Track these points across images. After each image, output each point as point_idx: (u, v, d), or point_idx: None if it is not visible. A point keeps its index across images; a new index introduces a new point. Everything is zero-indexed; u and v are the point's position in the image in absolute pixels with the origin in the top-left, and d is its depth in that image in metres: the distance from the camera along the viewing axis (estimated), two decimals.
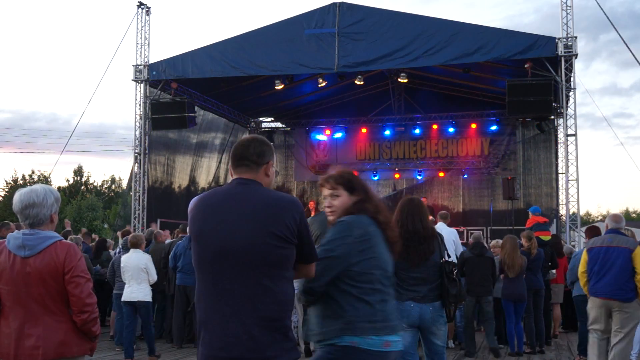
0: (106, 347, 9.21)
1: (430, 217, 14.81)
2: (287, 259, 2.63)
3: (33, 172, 45.65)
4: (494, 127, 18.05)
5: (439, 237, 4.79)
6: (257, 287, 2.55)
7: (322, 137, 19.65)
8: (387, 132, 18.94)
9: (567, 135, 13.51)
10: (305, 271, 2.82)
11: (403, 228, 4.69)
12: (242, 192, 2.67)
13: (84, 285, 3.28)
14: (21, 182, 42.01)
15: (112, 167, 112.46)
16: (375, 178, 19.11)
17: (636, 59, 13.75)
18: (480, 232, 16.79)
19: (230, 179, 2.82)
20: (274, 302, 2.56)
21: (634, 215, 70.50)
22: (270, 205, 2.63)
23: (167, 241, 10.14)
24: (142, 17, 15.81)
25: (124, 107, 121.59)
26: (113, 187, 50.91)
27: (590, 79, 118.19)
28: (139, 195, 15.36)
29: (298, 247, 2.67)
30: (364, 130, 19.17)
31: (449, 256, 4.77)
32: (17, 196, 3.34)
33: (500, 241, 9.88)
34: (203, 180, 17.85)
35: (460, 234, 14.53)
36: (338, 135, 19.45)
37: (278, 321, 2.57)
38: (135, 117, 15.49)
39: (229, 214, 2.62)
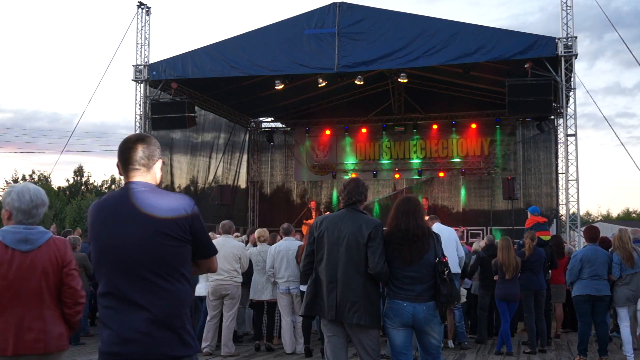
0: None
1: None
2: (180, 257, 2.71)
3: (33, 172, 45.73)
4: (493, 127, 18.02)
5: (435, 237, 4.77)
6: (151, 286, 2.63)
7: (322, 137, 19.64)
8: (387, 132, 18.92)
9: (567, 135, 13.50)
10: (207, 265, 2.94)
11: (397, 227, 4.70)
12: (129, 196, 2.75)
13: (78, 278, 3.39)
14: (21, 182, 42.01)
15: (114, 167, 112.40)
16: (375, 178, 19.10)
17: (637, 60, 13.75)
18: (480, 232, 17.00)
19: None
20: (170, 300, 2.64)
21: (634, 215, 70.43)
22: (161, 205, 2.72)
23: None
24: (142, 17, 15.81)
25: (125, 107, 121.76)
26: (113, 187, 50.94)
27: (594, 78, 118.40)
28: None
29: (193, 243, 2.76)
30: (364, 130, 19.15)
31: (444, 256, 4.73)
32: (23, 195, 3.34)
33: (481, 242, 10.19)
34: (203, 180, 17.85)
35: (460, 234, 14.56)
36: (338, 135, 19.44)
37: (174, 317, 2.64)
38: (135, 117, 15.49)
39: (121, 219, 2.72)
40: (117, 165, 2.83)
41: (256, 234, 9.28)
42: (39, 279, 3.26)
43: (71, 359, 8.35)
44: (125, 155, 2.77)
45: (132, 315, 2.60)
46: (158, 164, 2.83)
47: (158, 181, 2.85)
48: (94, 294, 9.85)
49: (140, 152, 2.77)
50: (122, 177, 2.84)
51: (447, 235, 8.34)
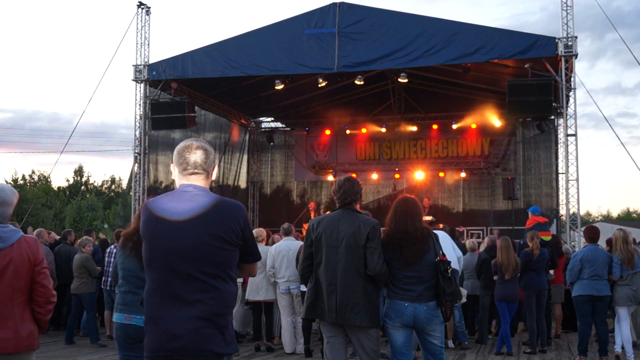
0: (108, 346, 9.22)
1: (431, 217, 14.85)
2: (231, 259, 2.84)
3: (33, 172, 45.73)
4: (494, 127, 18.00)
5: (434, 236, 4.77)
6: (203, 285, 2.75)
7: (322, 137, 19.63)
8: (387, 132, 18.92)
9: (567, 135, 13.49)
10: (249, 270, 3.10)
11: (395, 228, 4.68)
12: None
13: (49, 277, 3.38)
14: (21, 182, 42.00)
15: (114, 167, 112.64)
16: (375, 178, 19.09)
17: (637, 60, 13.75)
18: (481, 232, 17.00)
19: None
20: (218, 299, 2.76)
21: (634, 215, 70.42)
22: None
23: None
24: (142, 17, 15.80)
25: (125, 107, 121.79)
26: (113, 187, 50.96)
27: (595, 78, 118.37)
28: (139, 195, 15.35)
29: (242, 248, 2.88)
30: (364, 130, 19.13)
31: (443, 254, 4.72)
32: None
33: (472, 241, 10.17)
34: None
35: (460, 234, 14.56)
36: (338, 135, 19.43)
37: (220, 316, 2.76)
38: (135, 117, 15.50)
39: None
40: (173, 168, 2.95)
41: (254, 233, 9.26)
42: (11, 278, 3.24)
43: (71, 358, 8.36)
44: (188, 159, 2.88)
45: (181, 312, 2.72)
46: (215, 170, 2.99)
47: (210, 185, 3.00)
48: (100, 294, 9.84)
49: (203, 157, 2.90)
50: (175, 179, 2.96)
51: (442, 236, 8.35)
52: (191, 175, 2.90)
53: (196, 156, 2.89)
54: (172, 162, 2.96)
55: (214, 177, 2.98)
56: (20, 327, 3.25)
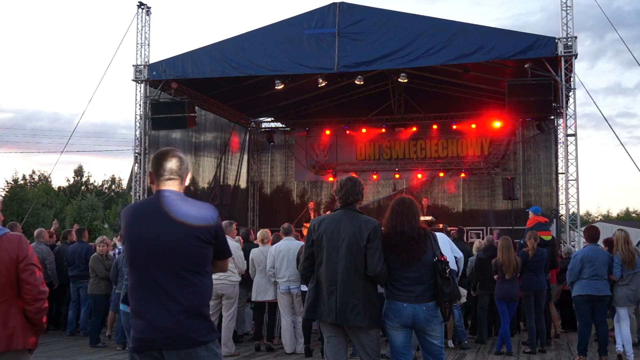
0: (109, 346, 9.22)
1: (430, 217, 14.82)
2: (207, 256, 3.13)
3: (34, 172, 45.74)
4: (493, 127, 18.01)
5: (432, 237, 4.75)
6: (182, 281, 3.02)
7: (322, 137, 19.63)
8: (387, 132, 18.92)
9: (567, 135, 13.49)
10: (221, 266, 3.34)
11: (392, 229, 4.67)
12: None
13: (36, 273, 3.34)
14: (21, 182, 41.99)
15: (114, 167, 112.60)
16: (375, 178, 19.09)
17: (637, 60, 13.75)
18: (480, 232, 17.00)
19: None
20: (196, 293, 3.03)
21: (634, 215, 70.42)
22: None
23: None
24: (142, 17, 15.80)
25: (126, 107, 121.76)
26: (113, 187, 50.99)
27: (595, 78, 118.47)
28: (139, 195, 15.36)
29: (215, 246, 3.15)
30: (364, 130, 19.14)
31: (442, 254, 4.69)
32: None
33: (481, 241, 10.16)
34: (203, 180, 17.85)
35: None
36: (338, 135, 19.43)
37: (198, 308, 3.04)
38: (136, 117, 15.50)
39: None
40: (150, 174, 3.20)
41: (259, 235, 9.28)
42: None
43: (71, 358, 8.36)
44: (164, 166, 3.17)
45: (165, 306, 2.98)
46: (189, 176, 3.28)
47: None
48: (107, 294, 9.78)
49: (178, 164, 3.19)
50: (152, 185, 3.22)
51: (440, 237, 8.35)
52: (167, 180, 3.17)
53: (172, 163, 3.17)
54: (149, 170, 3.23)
55: (187, 182, 3.25)
56: (2, 326, 3.21)
